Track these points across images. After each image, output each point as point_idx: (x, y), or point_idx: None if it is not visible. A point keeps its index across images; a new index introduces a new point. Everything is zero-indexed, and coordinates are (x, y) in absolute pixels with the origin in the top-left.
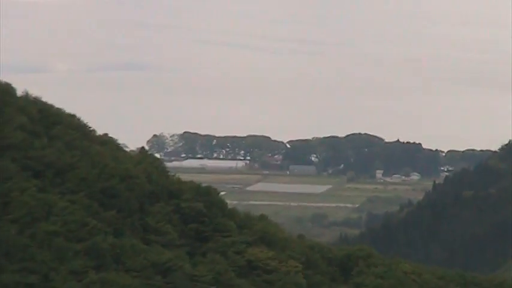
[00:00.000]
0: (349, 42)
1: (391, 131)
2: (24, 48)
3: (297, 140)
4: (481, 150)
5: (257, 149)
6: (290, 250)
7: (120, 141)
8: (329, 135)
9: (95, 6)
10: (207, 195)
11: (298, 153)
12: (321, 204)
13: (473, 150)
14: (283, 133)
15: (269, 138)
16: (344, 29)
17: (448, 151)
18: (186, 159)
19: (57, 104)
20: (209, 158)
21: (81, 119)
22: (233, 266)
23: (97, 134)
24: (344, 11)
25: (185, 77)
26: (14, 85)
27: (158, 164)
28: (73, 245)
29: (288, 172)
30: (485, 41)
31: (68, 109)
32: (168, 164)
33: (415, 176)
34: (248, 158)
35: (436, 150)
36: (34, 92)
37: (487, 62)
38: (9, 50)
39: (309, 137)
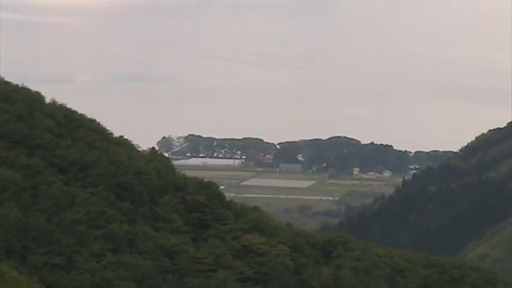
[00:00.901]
0: (332, 57)
1: (366, 134)
2: (51, 62)
3: (285, 142)
4: (444, 151)
5: (251, 150)
6: (279, 236)
7: (134, 142)
8: (313, 138)
9: (112, 27)
10: (208, 188)
11: (286, 153)
12: (306, 197)
13: (437, 151)
14: (274, 136)
15: (262, 140)
16: (328, 46)
17: (416, 152)
18: (191, 158)
19: (80, 110)
20: (210, 157)
21: (101, 123)
22: (230, 249)
23: (114, 136)
24: (327, 31)
25: (190, 88)
26: (42, 94)
27: (166, 162)
28: (93, 231)
29: (278, 169)
30: (444, 58)
31: (89, 114)
32: (175, 162)
33: (387, 173)
34: (244, 157)
35: (405, 151)
36: (60, 99)
37: (448, 76)
38: (38, 64)
39: (296, 139)
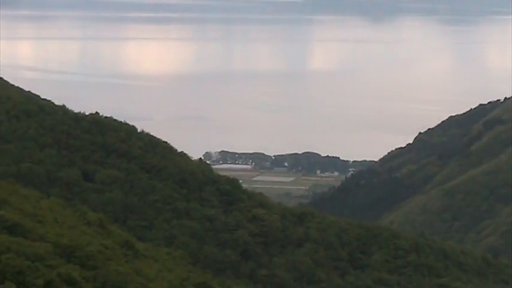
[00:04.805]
0: (306, 106)
1: (324, 150)
2: (140, 108)
3: (277, 155)
4: (370, 160)
5: (257, 159)
6: (274, 210)
7: (189, 155)
8: (294, 152)
9: (176, 87)
10: (233, 182)
11: (278, 162)
12: (289, 187)
13: (365, 160)
14: (271, 151)
15: (264, 153)
16: (303, 99)
17: (353, 161)
18: (222, 164)
19: (158, 136)
20: (234, 164)
21: (170, 143)
22: (246, 217)
23: (178, 151)
24: (304, 89)
25: (223, 123)
26: (136, 126)
27: (208, 167)
28: (165, 206)
29: (273, 171)
30: (377, 109)
31: (163, 138)
32: (213, 167)
33: (336, 173)
34: (253, 163)
35: (347, 160)
36: (146, 130)
37: (373, 118)
38: (132, 109)
39: (284, 153)
